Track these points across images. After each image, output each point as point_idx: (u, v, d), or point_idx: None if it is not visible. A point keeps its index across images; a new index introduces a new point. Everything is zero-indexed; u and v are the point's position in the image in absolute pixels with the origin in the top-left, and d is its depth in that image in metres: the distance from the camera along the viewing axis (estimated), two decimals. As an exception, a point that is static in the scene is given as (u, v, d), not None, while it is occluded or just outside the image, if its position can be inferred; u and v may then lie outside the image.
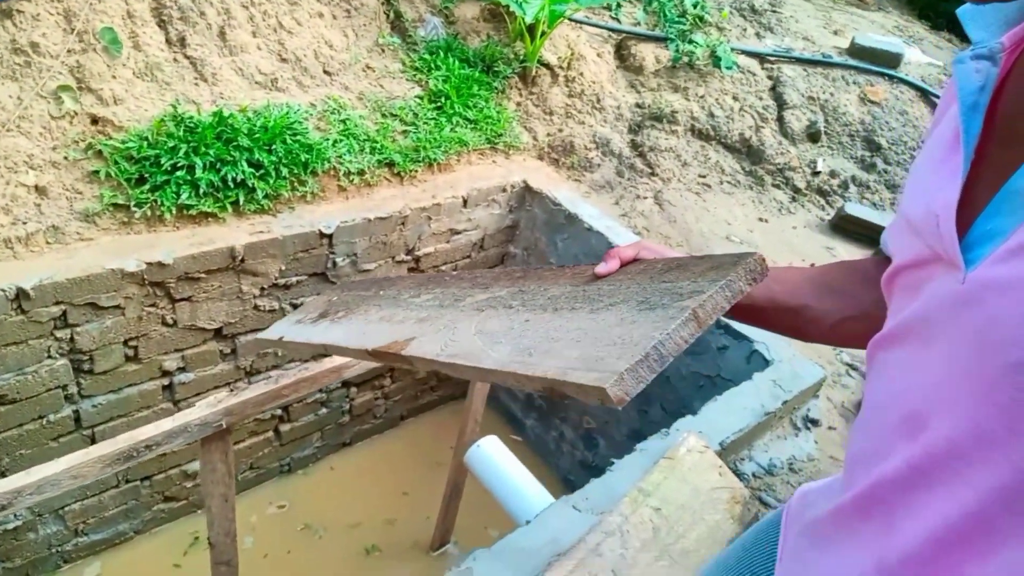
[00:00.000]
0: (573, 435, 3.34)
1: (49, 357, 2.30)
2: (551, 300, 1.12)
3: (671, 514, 1.87)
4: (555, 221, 3.11)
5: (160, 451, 1.85)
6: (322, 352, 1.74)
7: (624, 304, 0.96)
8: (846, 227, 3.26)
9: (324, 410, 3.20)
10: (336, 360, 2.08)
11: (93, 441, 2.56)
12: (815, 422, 2.43)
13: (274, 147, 2.57)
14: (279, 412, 3.04)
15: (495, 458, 2.37)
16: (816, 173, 3.46)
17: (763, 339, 2.52)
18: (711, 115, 3.51)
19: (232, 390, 1.97)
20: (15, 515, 2.50)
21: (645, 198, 3.21)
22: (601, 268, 1.07)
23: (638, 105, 3.56)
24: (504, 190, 3.14)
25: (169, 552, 2.88)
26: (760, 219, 3.27)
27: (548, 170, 3.30)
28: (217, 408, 1.91)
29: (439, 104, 3.17)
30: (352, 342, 1.54)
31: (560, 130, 3.39)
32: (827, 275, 1.00)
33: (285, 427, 3.11)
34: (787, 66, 3.79)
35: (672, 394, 2.81)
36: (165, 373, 2.61)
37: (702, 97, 3.58)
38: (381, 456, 3.44)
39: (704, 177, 3.37)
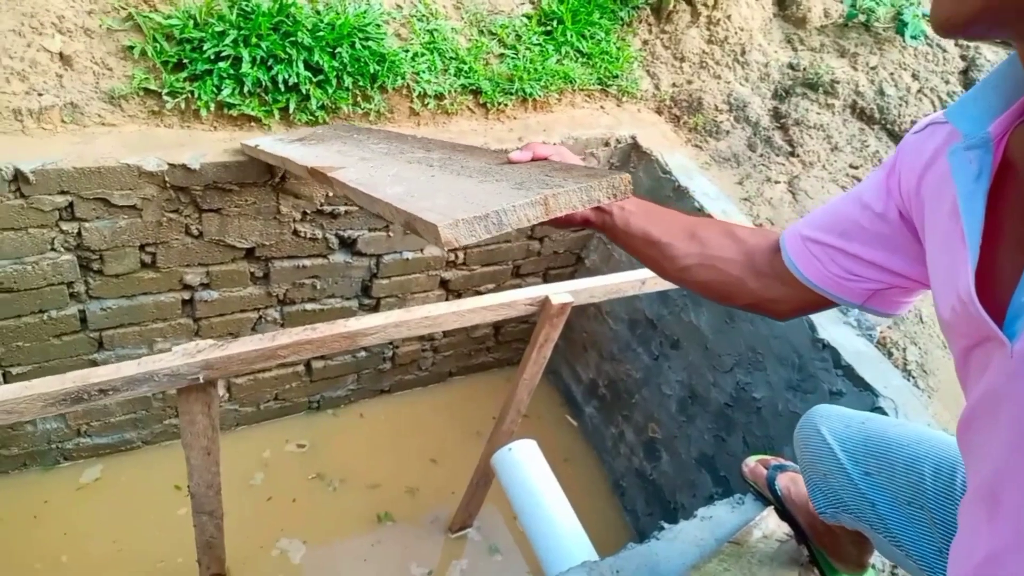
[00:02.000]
0: (634, 439, 2.89)
1: (52, 250, 2.04)
2: (463, 168, 1.28)
3: (721, 617, 1.43)
4: (661, 192, 2.60)
5: (119, 397, 1.54)
6: (279, 164, 1.89)
7: (505, 181, 1.10)
8: None
9: (364, 353, 2.88)
10: (351, 325, 1.70)
11: (100, 344, 2.32)
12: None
13: (339, 50, 2.16)
14: (311, 348, 2.73)
15: (528, 472, 1.97)
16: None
17: (892, 396, 1.97)
18: (880, 92, 2.84)
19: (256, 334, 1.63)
20: (9, 409, 2.31)
21: (777, 183, 2.62)
22: (515, 155, 1.21)
23: (791, 66, 2.92)
24: (607, 144, 2.63)
25: (173, 470, 2.66)
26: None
27: (665, 128, 2.76)
28: (194, 359, 1.57)
29: (549, 28, 2.65)
30: (301, 159, 1.69)
31: (689, 82, 2.82)
32: (699, 225, 1.10)
33: (318, 364, 2.81)
34: (988, 48, 3.02)
35: (760, 428, 2.31)
36: (186, 287, 2.32)
37: (873, 68, 2.90)
38: (417, 413, 3.11)
39: (856, 168, 2.74)
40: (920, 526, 1.13)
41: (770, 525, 1.59)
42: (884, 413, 1.96)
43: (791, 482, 1.66)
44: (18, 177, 1.84)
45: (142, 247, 2.15)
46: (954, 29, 0.58)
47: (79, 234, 2.03)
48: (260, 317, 2.53)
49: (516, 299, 1.95)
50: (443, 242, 0.91)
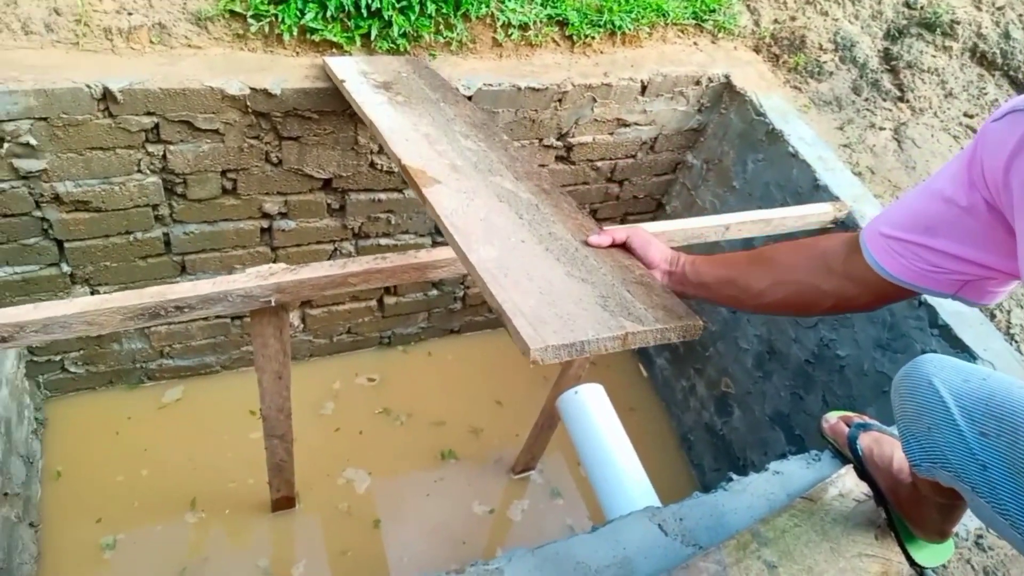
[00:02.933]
0: (706, 393, 2.81)
1: (139, 171, 2.08)
2: (551, 236, 1.32)
3: (790, 576, 1.36)
4: (753, 136, 2.45)
5: (194, 315, 1.57)
6: (363, 119, 1.81)
7: (591, 288, 1.16)
8: None
9: (435, 292, 2.87)
10: (421, 256, 1.67)
11: (183, 269, 2.38)
12: None
13: (423, -25, 2.09)
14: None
15: (593, 415, 1.92)
16: None
17: (992, 359, 1.83)
18: (1006, 35, 2.58)
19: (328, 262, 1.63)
20: (98, 325, 2.40)
21: (882, 129, 2.44)
22: (593, 239, 1.30)
23: (907, 4, 2.68)
24: (698, 82, 2.49)
25: (249, 396, 2.74)
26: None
27: (762, 67, 2.59)
28: (267, 282, 1.58)
29: (644, -43, 2.51)
30: (393, 140, 1.65)
31: (793, 18, 2.63)
32: (765, 250, 1.17)
33: (390, 300, 2.82)
34: None
35: (842, 387, 2.20)
36: (265, 215, 2.34)
37: (1000, 9, 2.63)
38: (485, 354, 3.10)
39: (972, 117, 2.51)
40: None
41: (847, 484, 1.51)
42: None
43: (874, 442, 1.56)
44: (107, 96, 1.87)
45: (223, 173, 2.17)
46: None
47: (164, 156, 2.06)
48: (335, 249, 2.54)
49: (592, 238, 1.88)
50: (530, 360, 1.01)
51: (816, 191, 2.25)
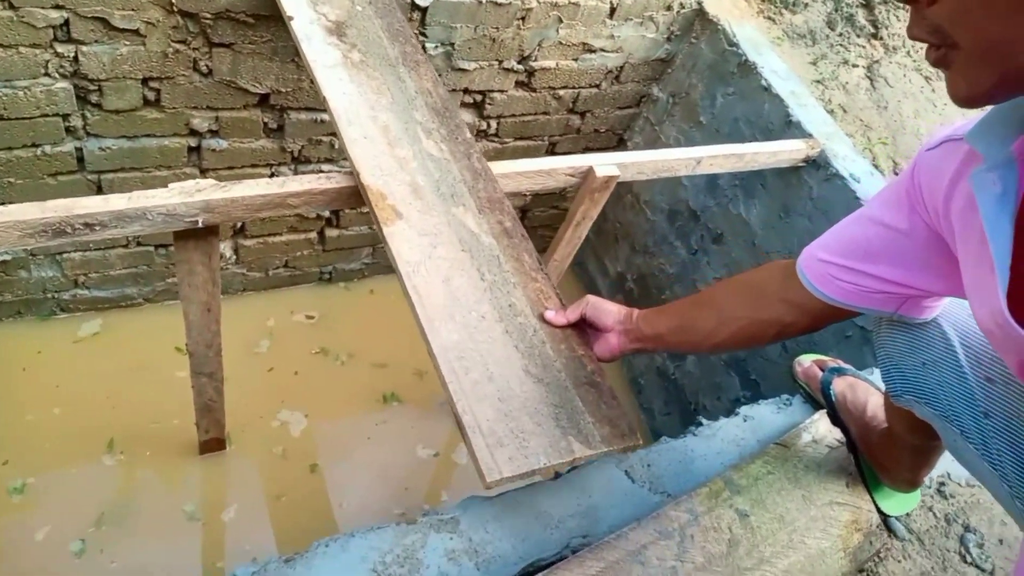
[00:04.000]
0: (661, 337, 2.73)
1: (46, 75, 1.83)
2: (511, 309, 1.33)
3: (761, 526, 1.29)
4: (724, 67, 2.32)
5: (106, 234, 1.38)
6: (319, 96, 1.63)
7: (545, 390, 1.22)
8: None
9: (381, 224, 2.69)
10: (368, 179, 1.50)
11: (99, 189, 2.14)
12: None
13: None
14: (326, 213, 2.55)
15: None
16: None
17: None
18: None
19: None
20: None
21: (855, 66, 2.34)
22: (549, 315, 1.32)
23: (885, -64, 2.57)
24: (669, 7, 2.34)
25: (175, 332, 2.52)
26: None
27: (735, -4, 2.45)
28: (193, 199, 1.39)
29: None
30: (349, 135, 1.53)
31: (768, -55, 2.48)
32: (706, 293, 1.26)
33: (332, 232, 2.63)
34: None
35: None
36: (193, 132, 2.11)
37: (978, -54, 2.54)
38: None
39: (943, 59, 2.44)
40: None
41: (820, 429, 1.44)
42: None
43: (848, 388, 1.49)
44: (4, -19, 1.61)
45: (145, 81, 1.94)
46: (975, 103, 0.59)
47: (76, 59, 1.81)
48: (272, 174, 2.33)
49: (556, 167, 1.74)
50: (484, 485, 1.08)
51: (788, 128, 2.15)
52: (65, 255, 2.26)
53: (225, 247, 2.48)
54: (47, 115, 1.90)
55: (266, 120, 2.17)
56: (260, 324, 2.64)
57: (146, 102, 1.99)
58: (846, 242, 0.98)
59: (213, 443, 2.21)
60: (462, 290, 1.32)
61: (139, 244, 2.35)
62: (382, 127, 1.56)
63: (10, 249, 2.11)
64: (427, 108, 1.64)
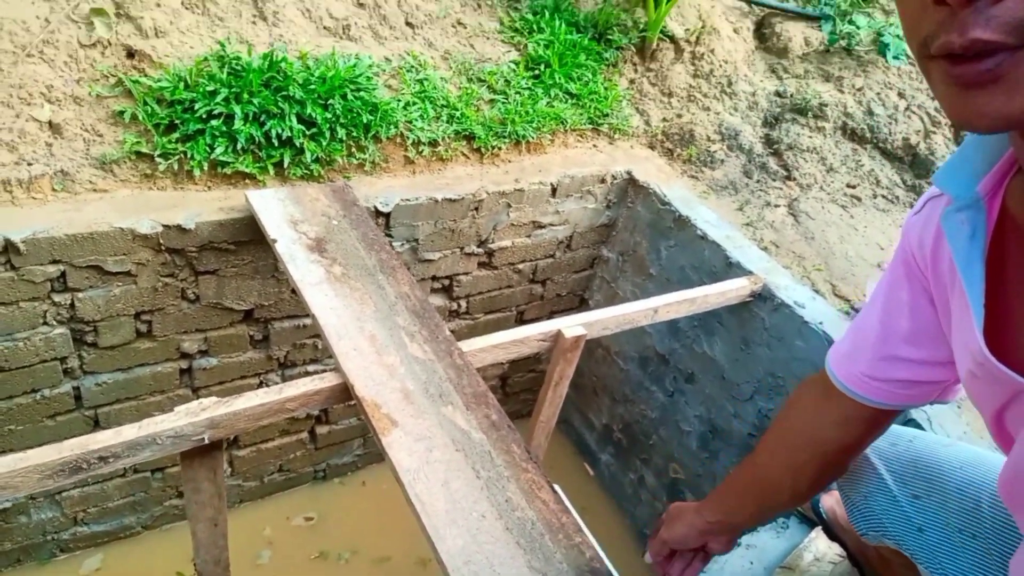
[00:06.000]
0: (656, 483, 2.78)
1: (45, 324, 1.96)
2: (507, 504, 1.40)
3: (783, 650, 1.32)
4: (662, 224, 2.56)
5: (120, 464, 1.45)
6: (308, 312, 1.78)
7: None
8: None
9: (369, 415, 2.77)
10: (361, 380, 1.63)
11: (96, 424, 2.22)
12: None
13: (331, 103, 2.14)
14: (316, 412, 2.63)
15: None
16: (999, 196, 2.75)
17: (924, 408, 1.90)
18: (869, 112, 2.86)
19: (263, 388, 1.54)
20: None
21: (777, 206, 2.60)
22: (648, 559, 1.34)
23: (778, 94, 2.94)
24: (603, 180, 2.61)
25: (178, 555, 2.52)
26: (921, 246, 2.60)
27: (659, 162, 2.75)
28: (198, 418, 1.49)
29: (537, 72, 2.67)
30: (341, 349, 1.66)
31: (679, 115, 2.83)
32: (761, 456, 1.17)
33: (322, 429, 2.70)
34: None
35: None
36: (184, 355, 2.24)
37: (860, 90, 2.92)
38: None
39: (853, 188, 2.73)
40: (974, 557, 1.03)
41: (820, 547, 1.50)
42: (917, 425, 1.88)
43: (836, 503, 1.57)
44: (8, 248, 1.79)
45: (137, 315, 2.08)
46: (977, 124, 0.53)
47: (72, 305, 1.96)
48: (261, 383, 2.44)
49: (528, 335, 1.89)
50: None
51: (730, 268, 2.35)
52: (65, 493, 2.29)
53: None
54: (45, 360, 2.02)
55: (251, 333, 2.31)
56: (258, 534, 2.64)
57: (139, 334, 2.12)
58: (863, 337, 0.97)
59: (225, 666, 2.14)
60: (460, 492, 1.41)
61: (136, 471, 2.40)
62: (369, 337, 1.70)
63: (12, 498, 2.14)
64: (407, 312, 1.80)
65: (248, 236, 2.07)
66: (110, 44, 2.08)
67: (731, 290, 2.21)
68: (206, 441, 1.52)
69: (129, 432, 1.43)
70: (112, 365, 2.14)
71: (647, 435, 2.79)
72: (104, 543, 2.49)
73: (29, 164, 1.91)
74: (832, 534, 1.54)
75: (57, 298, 1.94)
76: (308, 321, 2.37)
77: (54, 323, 1.98)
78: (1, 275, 1.83)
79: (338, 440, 2.77)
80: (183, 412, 1.49)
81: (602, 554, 1.34)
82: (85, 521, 2.40)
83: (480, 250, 2.51)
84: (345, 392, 1.64)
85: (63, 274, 1.90)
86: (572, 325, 1.92)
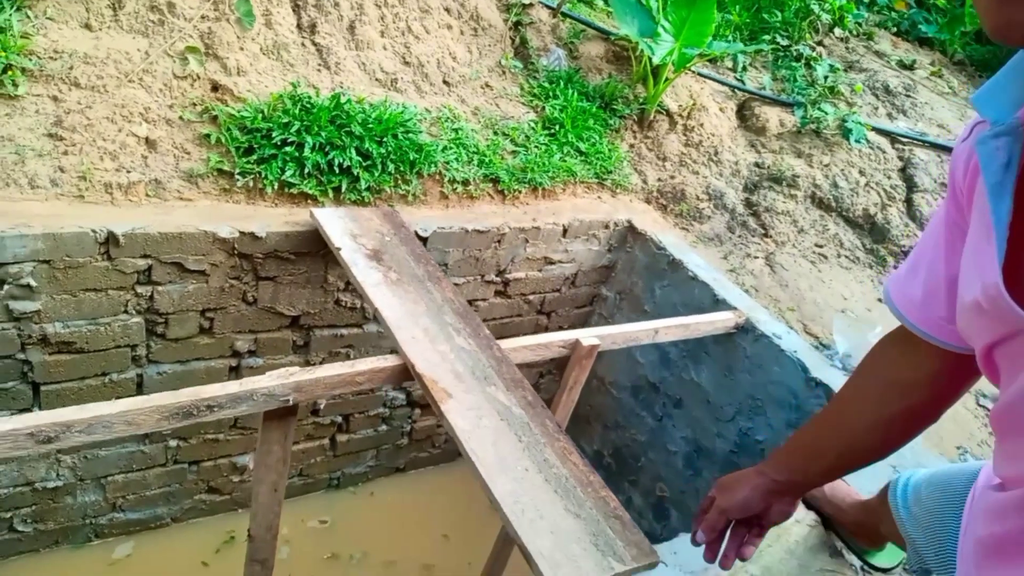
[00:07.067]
0: (642, 502, 3.06)
1: (125, 312, 2.23)
2: (546, 463, 1.71)
3: (771, 587, 1.61)
4: (656, 266, 2.93)
5: (222, 414, 1.72)
6: (367, 302, 2.09)
7: (583, 524, 1.56)
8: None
9: (384, 427, 3.03)
10: (412, 356, 1.92)
11: (149, 411, 2.44)
12: (935, 521, 2.11)
13: (385, 140, 2.50)
14: (339, 420, 2.88)
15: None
16: (943, 261, 3.18)
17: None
18: (835, 185, 3.31)
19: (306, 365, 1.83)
20: (57, 474, 2.39)
21: (756, 257, 3.00)
22: (699, 537, 1.25)
23: (757, 164, 3.39)
24: (607, 226, 2.99)
25: (202, 547, 2.71)
26: (879, 299, 3.00)
27: (655, 214, 3.14)
28: (287, 381, 1.76)
29: (552, 131, 3.07)
30: (401, 337, 1.95)
31: (672, 177, 3.24)
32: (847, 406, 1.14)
33: (342, 437, 2.94)
34: (920, 150, 3.57)
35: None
36: (235, 353, 2.50)
37: (826, 166, 3.39)
38: (430, 490, 3.22)
39: (821, 247, 3.15)
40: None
41: (800, 512, 1.80)
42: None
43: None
44: (109, 240, 2.07)
45: (203, 312, 2.35)
46: (1010, 34, 0.57)
47: (151, 297, 2.23)
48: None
49: (552, 340, 2.20)
50: None
51: (716, 305, 2.71)
52: (110, 477, 2.49)
53: (249, 459, 2.75)
54: (120, 346, 2.27)
55: (295, 338, 2.58)
56: (280, 532, 2.83)
57: (201, 330, 2.39)
58: (934, 282, 0.91)
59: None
60: (506, 450, 1.70)
61: (175, 462, 2.61)
62: (423, 329, 2.01)
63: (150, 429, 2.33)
64: (453, 312, 2.11)
65: (307, 248, 2.38)
66: (199, 77, 2.42)
67: (719, 320, 2.56)
68: (290, 402, 1.79)
69: (232, 387, 1.70)
70: (174, 357, 2.39)
71: (636, 458, 3.08)
72: (136, 531, 2.66)
73: (128, 172, 2.21)
74: (808, 504, 1.84)
75: (140, 290, 2.20)
76: (345, 331, 2.65)
77: (133, 312, 2.24)
78: (97, 264, 2.10)
79: (355, 449, 3.00)
80: (275, 375, 1.77)
81: None
82: (123, 508, 2.59)
83: (498, 279, 2.84)
84: (404, 371, 1.92)
85: (149, 268, 2.17)
86: (588, 336, 2.24)
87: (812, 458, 1.17)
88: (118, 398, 2.34)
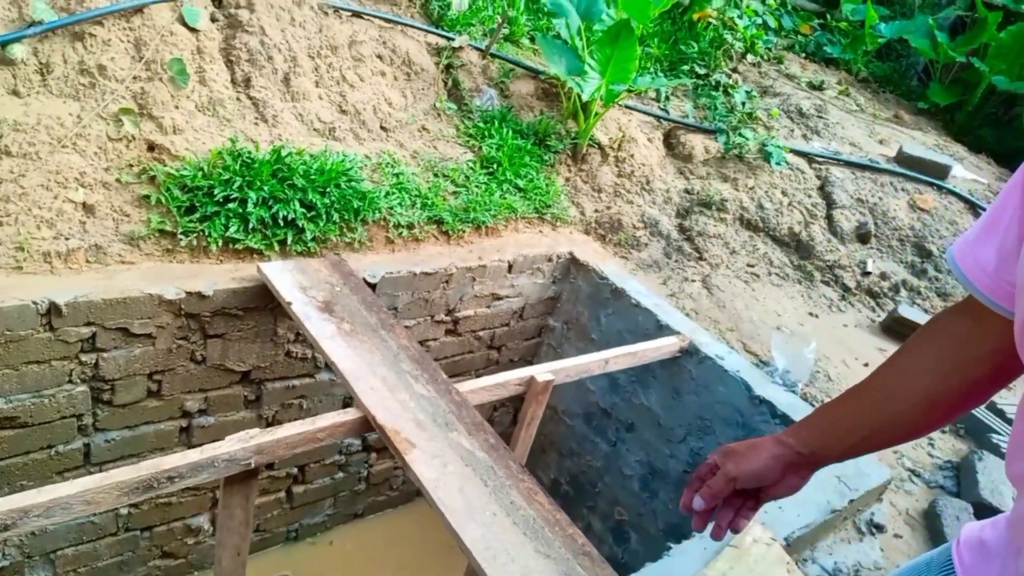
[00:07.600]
0: (601, 527, 3.12)
1: (70, 382, 2.17)
2: (512, 505, 1.74)
3: (736, 606, 1.68)
4: (600, 295, 3.02)
5: (182, 484, 1.70)
6: (323, 355, 2.09)
7: (554, 564, 1.61)
8: (900, 330, 3.14)
9: (341, 474, 3.01)
10: (372, 406, 1.94)
11: (98, 480, 2.37)
12: (880, 527, 2.24)
13: (328, 190, 2.52)
14: (294, 471, 2.85)
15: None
16: (866, 274, 3.38)
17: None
18: (760, 207, 3.48)
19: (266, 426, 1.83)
20: (3, 554, 2.29)
21: (693, 281, 3.12)
22: (697, 504, 1.14)
23: (687, 191, 3.53)
24: (550, 259, 3.07)
25: (158, 615, 2.63)
26: (810, 314, 3.16)
27: (594, 245, 3.24)
28: (248, 444, 1.76)
29: (491, 170, 3.14)
30: (360, 388, 1.97)
31: (608, 207, 3.35)
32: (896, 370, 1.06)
33: (299, 488, 2.91)
34: (836, 168, 3.78)
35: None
36: (185, 414, 2.46)
37: (751, 189, 3.55)
38: (390, 534, 3.21)
39: (753, 267, 3.30)
40: None
41: (757, 532, 1.89)
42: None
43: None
44: (51, 310, 2.02)
45: (150, 375, 2.31)
46: None
47: (96, 364, 2.18)
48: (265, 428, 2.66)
49: (508, 379, 2.25)
50: None
51: (660, 330, 2.81)
52: (60, 551, 2.40)
53: (204, 520, 2.70)
54: (65, 417, 2.21)
55: (246, 393, 2.56)
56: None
57: (149, 393, 2.34)
58: (1007, 249, 0.87)
59: None
60: (473, 495, 1.73)
61: (127, 529, 2.53)
62: (381, 379, 2.03)
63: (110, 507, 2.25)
64: (409, 359, 2.14)
65: (255, 303, 2.37)
66: (134, 138, 2.40)
67: (665, 346, 2.66)
68: (252, 465, 1.78)
69: (192, 455, 1.69)
70: (122, 423, 2.33)
71: (593, 484, 3.14)
72: (88, 605, 2.57)
73: (66, 239, 2.17)
74: (764, 523, 1.93)
75: (85, 358, 2.16)
76: (297, 382, 2.64)
77: (78, 381, 2.19)
78: (39, 335, 2.05)
79: (312, 499, 2.98)
80: (235, 439, 1.76)
81: None
82: (73, 582, 2.50)
83: (448, 318, 2.88)
84: (365, 423, 1.94)
85: (94, 335, 2.13)
86: (543, 371, 2.30)
87: (844, 433, 1.08)
88: (65, 470, 2.31)
